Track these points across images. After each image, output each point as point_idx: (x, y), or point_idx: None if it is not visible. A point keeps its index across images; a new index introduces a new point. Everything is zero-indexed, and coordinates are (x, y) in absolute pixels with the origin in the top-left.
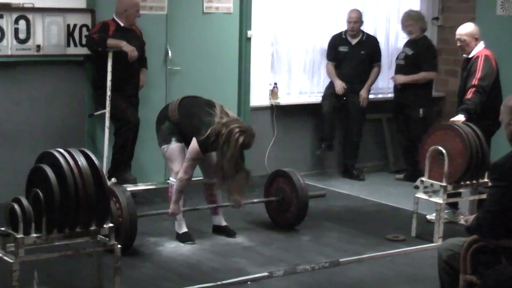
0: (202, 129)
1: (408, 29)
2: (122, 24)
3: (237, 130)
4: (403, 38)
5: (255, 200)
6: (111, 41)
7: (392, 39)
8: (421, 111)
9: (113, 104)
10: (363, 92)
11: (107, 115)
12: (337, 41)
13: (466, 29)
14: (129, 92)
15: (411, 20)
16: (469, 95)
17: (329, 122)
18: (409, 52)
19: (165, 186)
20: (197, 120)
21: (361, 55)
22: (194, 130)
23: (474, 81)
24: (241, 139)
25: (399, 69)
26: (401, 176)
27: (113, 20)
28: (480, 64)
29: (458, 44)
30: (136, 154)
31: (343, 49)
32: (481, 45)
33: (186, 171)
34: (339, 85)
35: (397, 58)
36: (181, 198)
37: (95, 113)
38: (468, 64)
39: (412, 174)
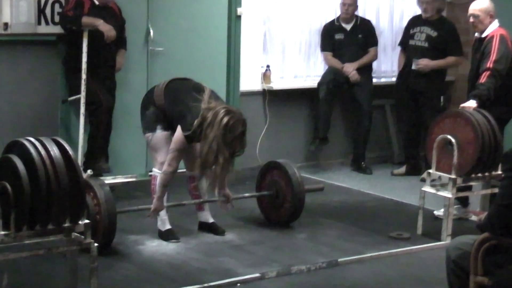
0: (187, 116)
1: (424, 6)
2: (97, 2)
3: (222, 111)
4: (408, 16)
5: (246, 195)
6: (86, 19)
7: (397, 18)
8: (442, 99)
9: (76, 86)
10: (348, 66)
11: (82, 101)
12: (331, 29)
13: (480, 4)
14: (103, 74)
15: None
16: (482, 79)
17: (325, 110)
18: (432, 33)
19: (146, 179)
20: (183, 106)
21: (359, 39)
22: (179, 117)
23: (489, 64)
24: (225, 119)
25: (422, 53)
26: (400, 170)
27: None
28: (495, 44)
29: (471, 20)
30: (114, 143)
31: (339, 36)
32: (495, 24)
33: (171, 163)
34: (352, 71)
35: (412, 38)
36: (165, 193)
37: (69, 99)
38: (482, 45)
39: (415, 167)
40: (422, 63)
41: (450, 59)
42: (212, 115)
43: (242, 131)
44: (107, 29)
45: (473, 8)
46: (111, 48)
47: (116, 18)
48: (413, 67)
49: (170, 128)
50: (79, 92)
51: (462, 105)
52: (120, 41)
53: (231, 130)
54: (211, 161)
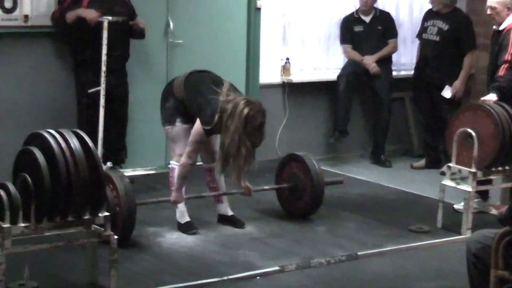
0: (206, 109)
1: None
2: None
3: (242, 102)
4: (428, 8)
5: (266, 187)
6: (70, 15)
7: (417, 11)
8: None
9: (84, 80)
10: (368, 58)
11: (102, 93)
12: (350, 21)
13: None
14: (108, 65)
15: None
16: (501, 71)
17: (344, 103)
18: (444, 26)
19: (166, 171)
20: (202, 99)
21: (378, 31)
22: (198, 109)
23: (507, 56)
24: (245, 110)
25: (432, 46)
26: (420, 163)
27: None
28: None
29: (488, 12)
30: (134, 136)
31: (358, 28)
32: None
33: (190, 155)
34: (372, 63)
35: (425, 32)
36: (184, 185)
37: (89, 91)
38: (500, 38)
39: (434, 160)
40: (456, 91)
41: (467, 60)
42: (232, 106)
43: (262, 122)
44: (89, 14)
45: (491, 0)
46: (118, 39)
47: (126, 6)
48: (447, 95)
49: (189, 121)
50: (88, 86)
51: (482, 98)
52: (132, 31)
53: (251, 121)
54: (234, 152)
